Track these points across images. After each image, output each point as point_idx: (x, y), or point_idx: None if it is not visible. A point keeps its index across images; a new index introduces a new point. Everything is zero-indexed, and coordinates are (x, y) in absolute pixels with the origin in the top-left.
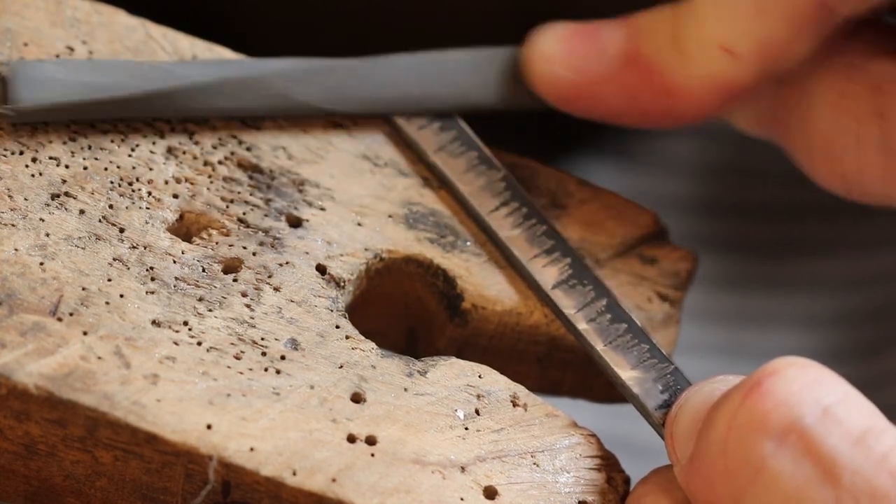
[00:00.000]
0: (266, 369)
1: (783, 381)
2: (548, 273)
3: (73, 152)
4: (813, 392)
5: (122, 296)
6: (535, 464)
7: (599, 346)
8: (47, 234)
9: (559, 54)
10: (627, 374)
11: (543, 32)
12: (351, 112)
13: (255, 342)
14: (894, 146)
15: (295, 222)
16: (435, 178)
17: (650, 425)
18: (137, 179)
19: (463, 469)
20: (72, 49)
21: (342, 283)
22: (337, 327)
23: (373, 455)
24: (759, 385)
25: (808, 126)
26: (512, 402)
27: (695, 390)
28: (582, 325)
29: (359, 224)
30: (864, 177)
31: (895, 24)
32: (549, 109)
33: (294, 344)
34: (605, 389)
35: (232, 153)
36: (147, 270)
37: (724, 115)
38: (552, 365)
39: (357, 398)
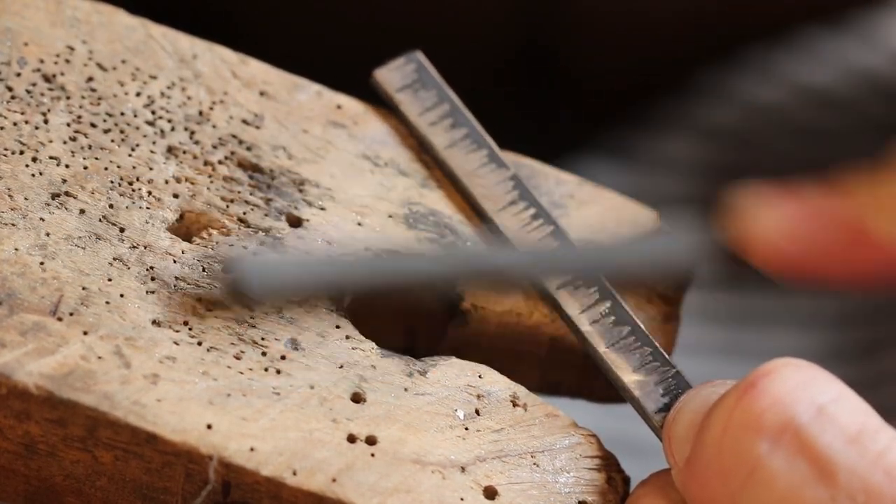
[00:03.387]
0: (266, 369)
1: (778, 381)
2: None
3: (73, 152)
4: (807, 391)
5: (122, 295)
6: (535, 464)
7: (602, 349)
8: (47, 234)
9: (777, 226)
10: (629, 376)
11: (748, 203)
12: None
13: (255, 342)
14: None
15: (295, 222)
16: (438, 178)
17: (650, 428)
18: (137, 179)
19: (463, 469)
20: (72, 49)
21: None
22: (337, 327)
23: (373, 455)
24: (754, 385)
25: None
26: (512, 402)
27: (693, 394)
28: (585, 327)
29: (359, 224)
30: None
31: None
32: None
33: (294, 344)
34: (605, 389)
35: (232, 153)
36: (147, 270)
37: None
38: (552, 365)
39: (357, 398)
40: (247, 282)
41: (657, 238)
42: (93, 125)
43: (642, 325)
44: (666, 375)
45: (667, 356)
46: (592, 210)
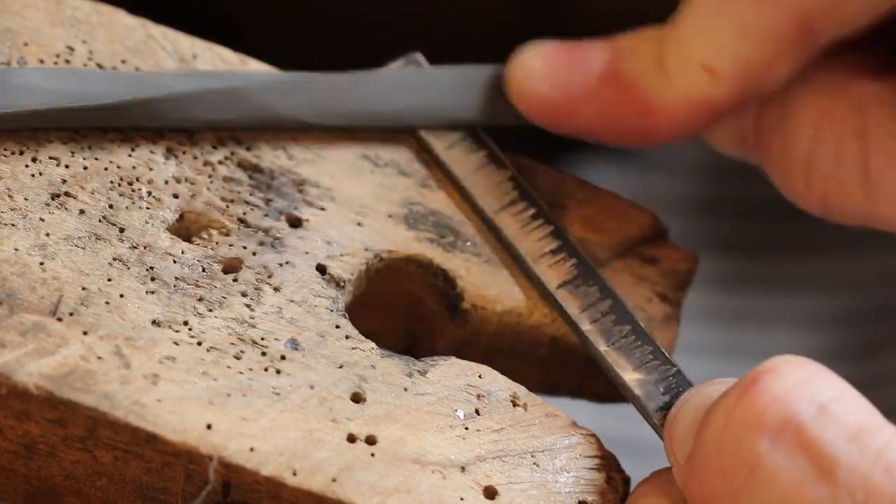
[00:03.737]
0: (266, 369)
1: (779, 378)
2: (553, 273)
3: (73, 152)
4: (808, 389)
5: (122, 296)
6: (535, 464)
7: (602, 347)
8: (47, 234)
9: (541, 71)
10: (630, 375)
11: (527, 49)
12: (332, 126)
13: (255, 342)
14: (874, 166)
15: (295, 222)
16: (438, 178)
17: (651, 427)
18: (137, 179)
19: (463, 469)
20: (72, 49)
21: (342, 283)
22: (337, 327)
23: (373, 455)
24: (755, 383)
25: (788, 146)
26: (512, 401)
27: (693, 392)
28: (586, 326)
29: (359, 224)
30: (842, 197)
31: (878, 45)
32: (530, 126)
33: (294, 344)
34: (605, 389)
35: (232, 153)
36: (147, 270)
37: (704, 134)
38: (552, 365)
39: (357, 398)
40: None
41: (428, 71)
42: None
43: (642, 324)
44: (666, 374)
45: (667, 355)
46: (592, 210)
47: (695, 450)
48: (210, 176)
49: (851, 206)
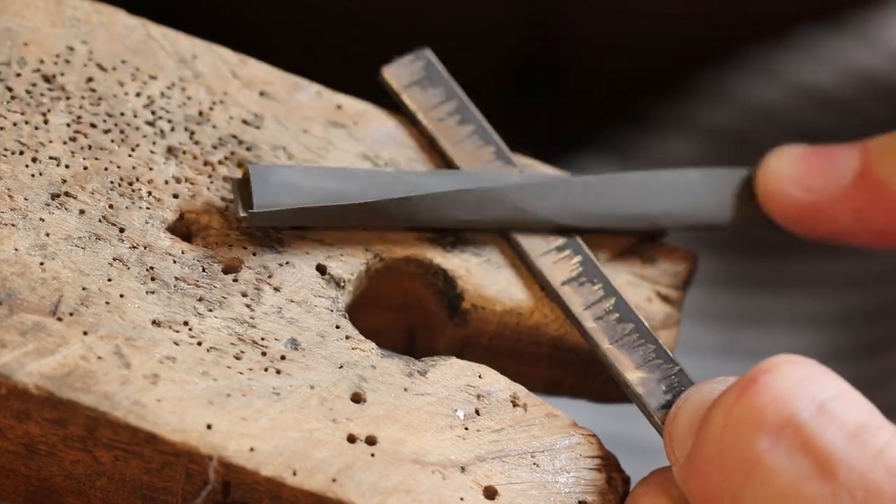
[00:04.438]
0: (266, 369)
1: (779, 377)
2: (558, 270)
3: (73, 152)
4: (808, 388)
5: (122, 296)
6: (535, 464)
7: (605, 345)
8: (47, 234)
9: (793, 175)
10: (632, 373)
11: (778, 153)
12: (585, 228)
13: (255, 342)
14: None
15: None
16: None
17: (652, 426)
18: (137, 179)
19: (463, 469)
20: (72, 49)
21: (342, 283)
22: (337, 327)
23: (373, 455)
24: (755, 381)
25: None
26: (512, 402)
27: (694, 390)
28: (589, 324)
29: None
30: None
31: None
32: (776, 227)
33: (294, 344)
34: (605, 389)
35: (232, 153)
36: (147, 270)
37: None
38: (552, 365)
39: (357, 398)
40: (252, 189)
41: (686, 180)
42: (93, 125)
43: (645, 323)
44: (669, 373)
45: (670, 353)
46: None
47: (695, 448)
48: (210, 176)
49: None
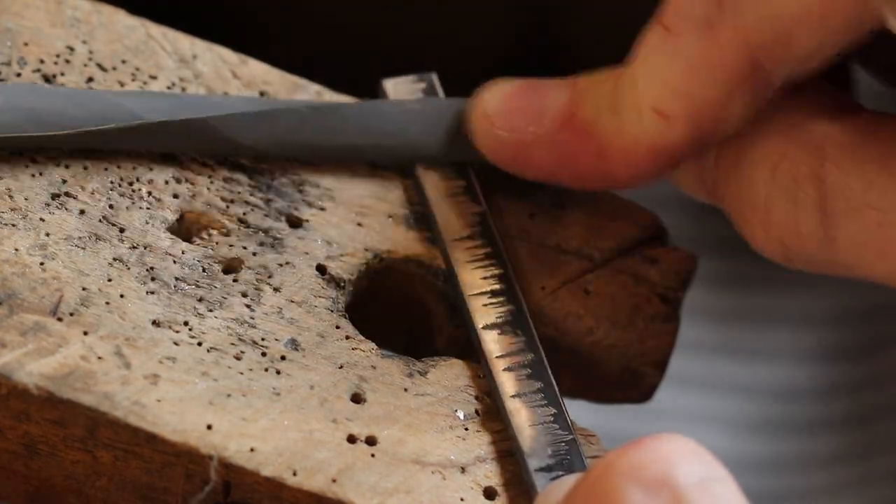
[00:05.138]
0: (266, 369)
1: (668, 441)
2: (483, 312)
3: (73, 152)
4: (695, 461)
5: (122, 296)
6: None
7: (508, 395)
8: (47, 234)
9: (499, 113)
10: (525, 430)
11: (488, 89)
12: (297, 157)
13: (255, 342)
14: (832, 210)
15: (295, 222)
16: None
17: (527, 484)
18: (138, 179)
19: (463, 469)
20: (72, 49)
21: (342, 284)
22: (337, 327)
23: (373, 455)
24: (641, 441)
25: (745, 190)
26: None
27: (555, 484)
28: (497, 371)
29: (359, 224)
30: (801, 241)
31: (837, 86)
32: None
33: (294, 344)
34: (606, 389)
35: None
36: (147, 270)
37: (668, 179)
38: (552, 365)
39: (357, 398)
40: None
41: (392, 105)
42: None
43: (556, 387)
44: (560, 439)
45: (571, 424)
46: (592, 210)
47: (568, 494)
48: (210, 176)
49: (810, 251)
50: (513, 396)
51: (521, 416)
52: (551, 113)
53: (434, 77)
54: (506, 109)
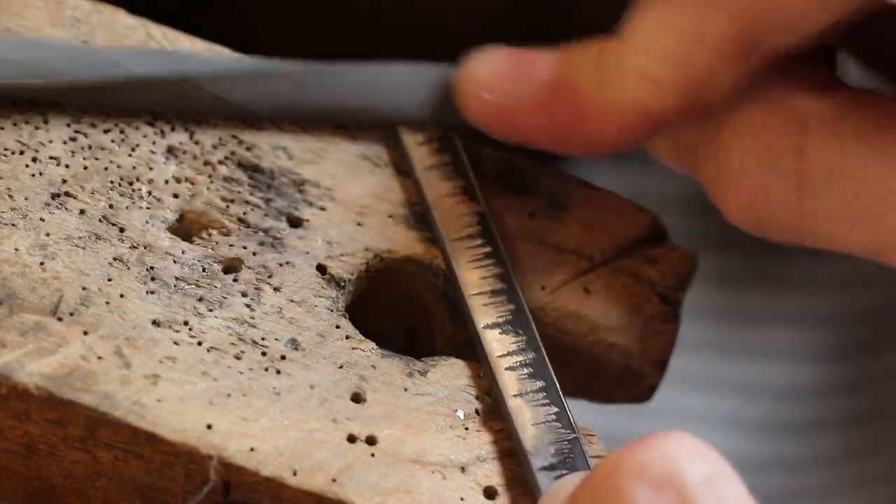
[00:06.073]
0: (266, 369)
1: (674, 439)
2: (484, 312)
3: (73, 152)
4: (701, 458)
5: (122, 296)
6: None
7: (511, 394)
8: (47, 234)
9: (486, 77)
10: (527, 429)
11: (477, 55)
12: (282, 116)
13: (255, 342)
14: (810, 182)
15: (295, 222)
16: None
17: (530, 484)
18: (137, 179)
19: (463, 469)
20: None
21: (342, 283)
22: (337, 327)
23: (373, 455)
24: (647, 439)
25: (724, 156)
26: None
27: (560, 482)
28: (499, 371)
29: (359, 224)
30: (775, 211)
31: (822, 60)
32: (477, 131)
33: (294, 344)
34: (606, 389)
35: (232, 153)
36: (147, 270)
37: (647, 145)
38: (552, 365)
39: (357, 398)
40: None
41: (384, 69)
42: (93, 125)
43: (557, 385)
44: (563, 437)
45: (573, 422)
46: (592, 210)
47: (575, 492)
48: (210, 176)
49: (783, 221)
50: (514, 396)
51: (524, 416)
52: (538, 78)
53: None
54: (493, 74)
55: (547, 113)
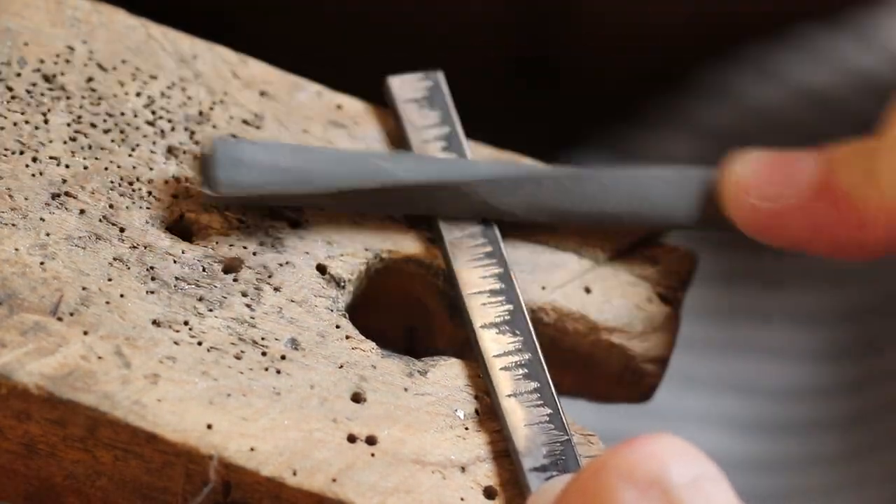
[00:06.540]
0: (266, 369)
1: (660, 440)
2: (481, 311)
3: (73, 152)
4: (688, 460)
5: (122, 295)
6: None
7: (504, 394)
8: (47, 234)
9: (754, 183)
10: (519, 429)
11: (740, 158)
12: (545, 223)
13: (255, 342)
14: None
15: (295, 222)
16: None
17: (521, 483)
18: (138, 179)
19: (463, 469)
20: (72, 49)
21: (342, 283)
22: (337, 327)
23: (373, 455)
24: (634, 440)
25: None
26: None
27: (548, 483)
28: (494, 370)
29: (359, 224)
30: None
31: None
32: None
33: (294, 344)
34: (606, 389)
35: None
36: (147, 270)
37: None
38: (552, 365)
39: (357, 398)
40: (215, 166)
41: (651, 176)
42: (93, 125)
43: (552, 388)
44: (555, 439)
45: (567, 424)
46: None
47: (562, 493)
48: None
49: None
50: (508, 396)
51: (517, 416)
52: (804, 182)
53: (440, 75)
54: (758, 179)
55: (817, 220)
